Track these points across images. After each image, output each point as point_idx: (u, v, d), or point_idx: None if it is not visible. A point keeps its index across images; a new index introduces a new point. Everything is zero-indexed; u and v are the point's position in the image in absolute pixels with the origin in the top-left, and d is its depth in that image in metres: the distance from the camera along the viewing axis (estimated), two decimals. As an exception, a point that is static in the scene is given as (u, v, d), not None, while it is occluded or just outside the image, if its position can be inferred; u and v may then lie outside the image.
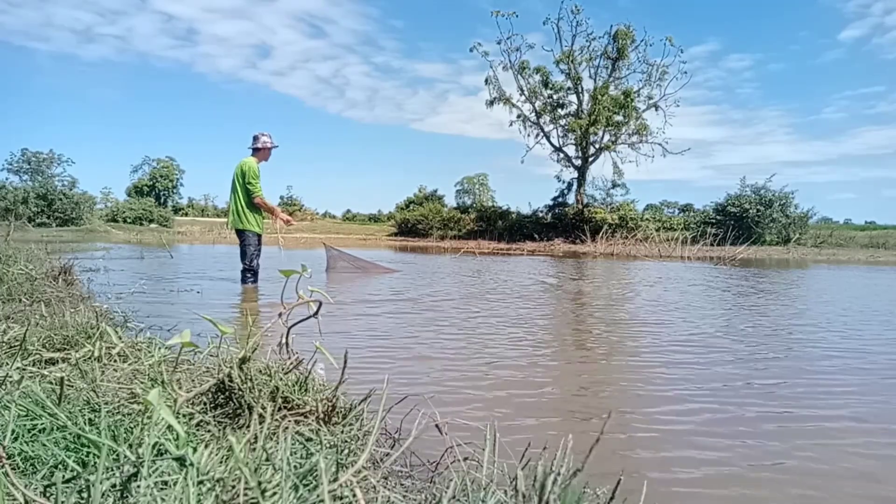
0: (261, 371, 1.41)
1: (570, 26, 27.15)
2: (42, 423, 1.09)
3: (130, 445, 1.00)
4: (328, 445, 1.18)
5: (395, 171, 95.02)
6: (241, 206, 5.69)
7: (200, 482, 0.86)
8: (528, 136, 29.38)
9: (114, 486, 0.87)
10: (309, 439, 1.19)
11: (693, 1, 61.55)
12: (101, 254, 10.29)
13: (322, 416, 1.38)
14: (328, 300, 1.95)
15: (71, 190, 31.60)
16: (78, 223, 26.99)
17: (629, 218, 26.49)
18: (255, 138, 5.79)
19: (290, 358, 1.56)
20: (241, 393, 1.33)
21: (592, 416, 2.09)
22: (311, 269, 1.73)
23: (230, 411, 1.34)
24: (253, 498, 0.82)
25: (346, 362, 1.42)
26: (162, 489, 0.87)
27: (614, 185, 29.36)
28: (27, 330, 1.74)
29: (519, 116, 29.19)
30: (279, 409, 1.36)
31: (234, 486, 0.84)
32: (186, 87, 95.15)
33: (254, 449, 0.95)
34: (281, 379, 1.41)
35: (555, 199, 30.58)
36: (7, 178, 36.18)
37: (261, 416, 1.18)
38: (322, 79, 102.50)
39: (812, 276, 10.68)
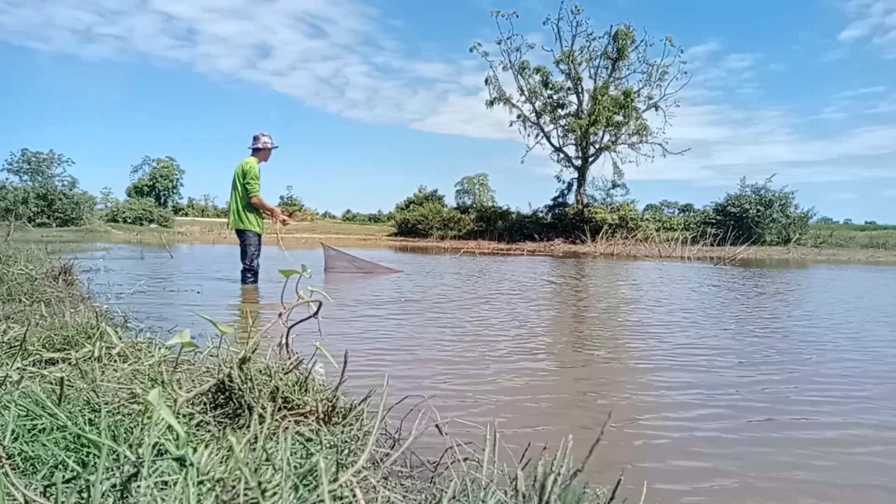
0: (261, 371, 1.41)
1: (570, 26, 27.21)
2: (42, 423, 1.09)
3: (130, 445, 1.00)
4: (328, 445, 1.18)
5: (395, 171, 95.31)
6: (242, 207, 5.69)
7: (200, 482, 0.86)
8: (528, 136, 29.41)
9: (114, 486, 0.87)
10: (309, 439, 1.19)
11: (693, 1, 61.75)
12: (101, 254, 10.28)
13: (322, 416, 1.38)
14: (328, 300, 1.95)
15: (71, 190, 31.60)
16: (78, 223, 26.98)
17: (629, 218, 26.47)
18: (255, 138, 5.79)
19: (290, 358, 1.56)
20: (241, 393, 1.33)
21: (593, 418, 2.08)
22: (310, 269, 1.73)
23: (230, 411, 1.34)
24: (253, 498, 0.82)
25: (346, 363, 1.42)
26: (162, 489, 0.87)
27: (614, 186, 29.36)
28: (27, 330, 1.74)
29: (519, 116, 29.20)
30: (279, 409, 1.36)
31: (234, 487, 0.84)
32: (186, 87, 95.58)
33: (254, 449, 0.95)
34: (281, 379, 1.41)
35: (555, 199, 30.58)
36: (7, 178, 36.24)
37: (261, 416, 1.18)
38: (322, 79, 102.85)
39: (813, 277, 10.67)
